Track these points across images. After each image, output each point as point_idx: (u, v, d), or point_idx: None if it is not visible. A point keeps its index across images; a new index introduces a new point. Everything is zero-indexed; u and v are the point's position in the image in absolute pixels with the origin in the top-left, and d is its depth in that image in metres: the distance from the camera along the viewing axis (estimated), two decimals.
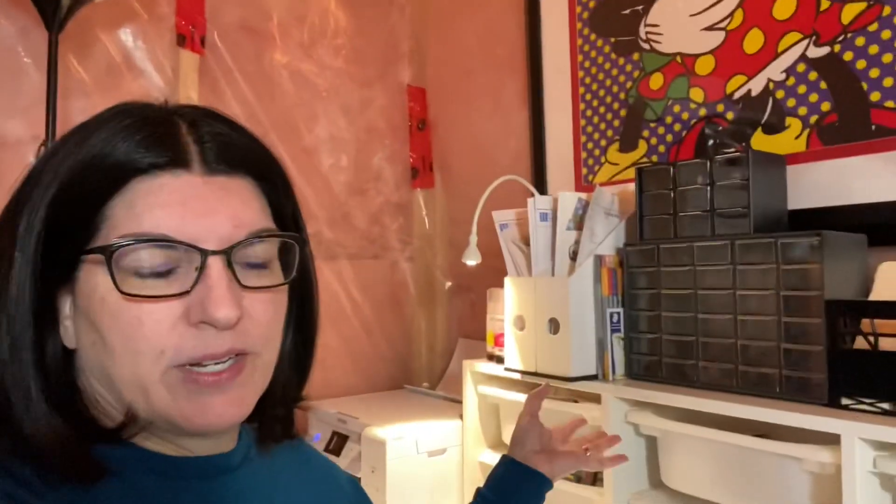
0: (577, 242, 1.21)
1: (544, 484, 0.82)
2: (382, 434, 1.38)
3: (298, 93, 1.88)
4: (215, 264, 0.45)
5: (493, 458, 1.40)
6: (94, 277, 0.45)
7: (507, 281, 1.30)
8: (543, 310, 1.21)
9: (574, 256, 1.21)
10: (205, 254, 0.45)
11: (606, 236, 1.20)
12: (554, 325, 1.19)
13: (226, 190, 0.47)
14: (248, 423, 0.56)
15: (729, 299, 1.03)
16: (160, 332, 0.44)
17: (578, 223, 1.22)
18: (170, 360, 0.45)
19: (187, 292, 0.45)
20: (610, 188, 1.27)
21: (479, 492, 0.84)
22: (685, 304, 1.09)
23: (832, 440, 0.83)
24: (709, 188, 1.10)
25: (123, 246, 0.43)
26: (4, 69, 1.42)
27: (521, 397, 1.30)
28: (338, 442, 1.54)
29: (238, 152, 0.49)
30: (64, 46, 1.43)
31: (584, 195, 1.23)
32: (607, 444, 0.90)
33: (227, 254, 0.46)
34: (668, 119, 1.38)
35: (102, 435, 0.46)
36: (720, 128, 1.29)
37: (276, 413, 0.56)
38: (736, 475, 0.96)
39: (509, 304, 1.29)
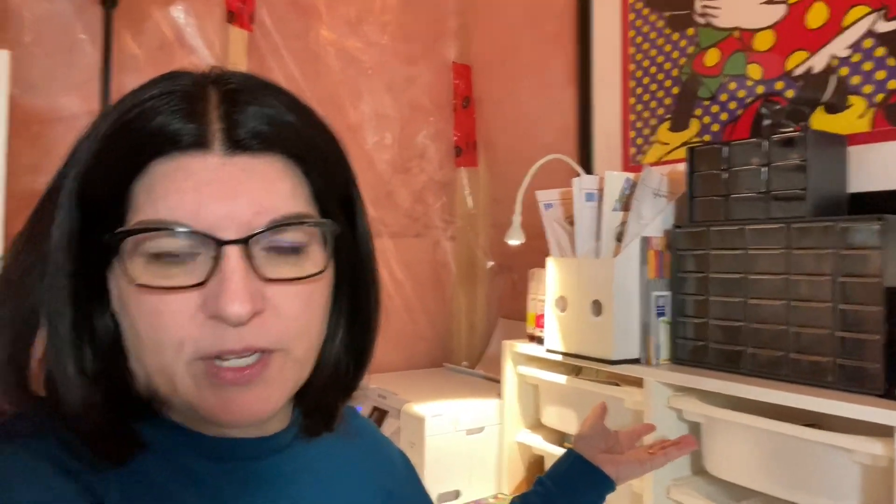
0: (624, 223, 1.18)
1: (608, 485, 0.79)
2: (422, 411, 1.39)
3: (344, 70, 1.88)
4: (232, 255, 0.42)
5: (531, 439, 1.40)
6: (121, 263, 0.43)
7: (550, 261, 1.29)
8: (586, 291, 1.19)
9: (620, 238, 1.19)
10: (220, 243, 0.42)
11: (654, 218, 1.17)
12: (597, 307, 1.17)
13: (248, 172, 0.43)
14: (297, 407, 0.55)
15: (782, 285, 1.00)
16: (179, 323, 0.42)
17: (625, 204, 1.19)
18: (191, 353, 0.43)
19: (202, 283, 0.42)
20: (659, 168, 1.23)
21: (539, 480, 0.82)
22: (735, 289, 1.06)
23: (885, 432, 0.80)
24: (764, 169, 1.06)
25: (134, 233, 0.42)
26: (61, 45, 1.46)
27: (561, 379, 1.29)
28: (377, 417, 1.56)
29: (271, 129, 0.45)
30: (118, 23, 1.46)
31: (631, 175, 1.20)
32: (678, 451, 0.85)
33: (245, 243, 0.42)
34: (723, 97, 1.33)
35: (142, 411, 0.46)
36: (778, 106, 1.24)
37: (321, 402, 0.54)
38: (782, 465, 0.93)
39: (551, 284, 1.28)
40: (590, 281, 1.18)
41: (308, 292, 0.46)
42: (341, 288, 0.52)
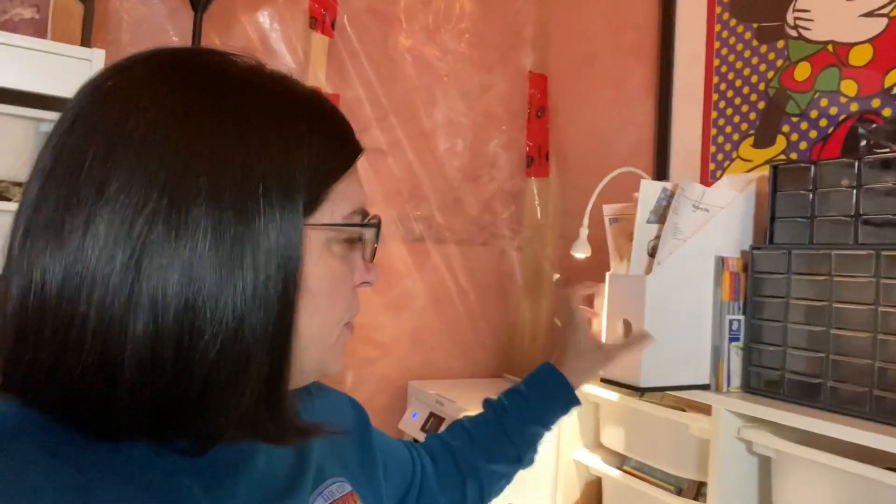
0: (658, 237, 1.10)
1: (573, 401, 0.90)
2: None
3: (420, 76, 1.90)
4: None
5: (589, 459, 1.36)
6: (317, 246, 0.47)
7: (608, 277, 1.24)
8: (615, 310, 1.10)
9: (653, 252, 1.10)
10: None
11: (694, 233, 1.07)
12: (626, 328, 1.07)
13: None
14: None
15: (869, 315, 0.93)
16: (351, 293, 0.51)
17: (661, 216, 1.11)
18: (347, 317, 0.51)
19: (371, 260, 0.52)
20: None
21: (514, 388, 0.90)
22: (817, 317, 1.00)
23: None
24: (855, 192, 0.99)
25: (377, 224, 0.51)
26: (155, 46, 1.53)
27: (623, 399, 1.25)
28: (434, 423, 1.55)
29: None
30: (207, 26, 1.53)
31: (668, 184, 1.12)
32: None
33: None
34: (814, 114, 1.26)
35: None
36: (874, 125, 1.16)
37: None
38: None
39: (608, 301, 1.23)
40: (619, 299, 1.09)
41: None
42: None
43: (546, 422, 0.87)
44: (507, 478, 0.85)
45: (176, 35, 1.55)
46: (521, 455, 0.85)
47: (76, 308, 0.40)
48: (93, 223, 0.40)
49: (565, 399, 0.88)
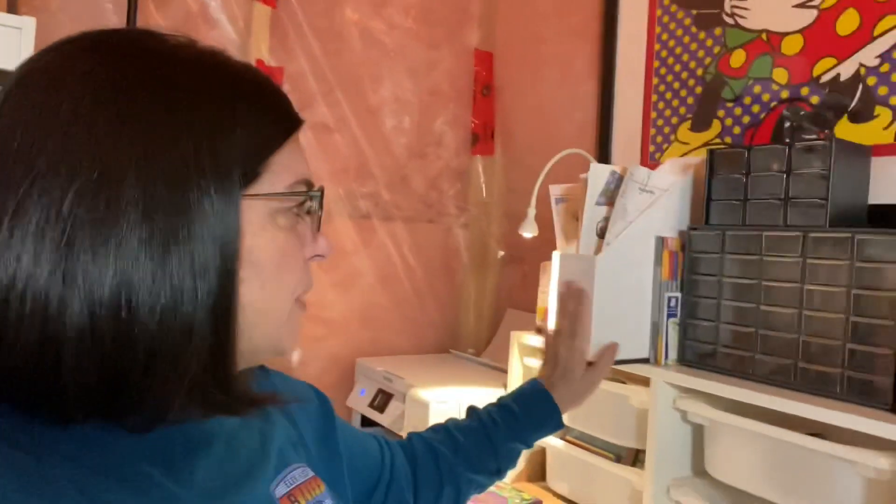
0: (607, 219, 1.15)
1: (558, 424, 0.91)
2: (427, 396, 1.40)
3: (366, 51, 1.87)
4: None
5: None
6: (259, 218, 0.47)
7: (555, 255, 1.28)
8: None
9: (602, 234, 1.15)
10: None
11: (640, 214, 1.12)
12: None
13: None
14: None
15: (795, 293, 1.00)
16: (302, 266, 0.51)
17: (609, 198, 1.15)
18: (299, 291, 0.51)
19: (318, 231, 0.52)
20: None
21: (506, 404, 0.90)
22: (748, 294, 1.06)
23: (891, 446, 0.80)
24: (784, 176, 1.05)
25: (320, 193, 0.51)
26: (87, 15, 1.46)
27: None
28: (382, 399, 1.57)
29: None
30: None
31: (617, 168, 1.17)
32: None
33: None
34: (747, 99, 1.32)
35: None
36: (802, 112, 1.23)
37: None
38: (785, 472, 0.94)
39: (555, 278, 1.27)
40: (570, 277, 1.11)
41: None
42: None
43: (530, 442, 0.89)
44: (482, 487, 0.86)
45: (110, 2, 1.47)
46: (501, 469, 0.86)
47: (12, 289, 0.39)
48: (23, 204, 0.39)
49: (553, 424, 0.90)
